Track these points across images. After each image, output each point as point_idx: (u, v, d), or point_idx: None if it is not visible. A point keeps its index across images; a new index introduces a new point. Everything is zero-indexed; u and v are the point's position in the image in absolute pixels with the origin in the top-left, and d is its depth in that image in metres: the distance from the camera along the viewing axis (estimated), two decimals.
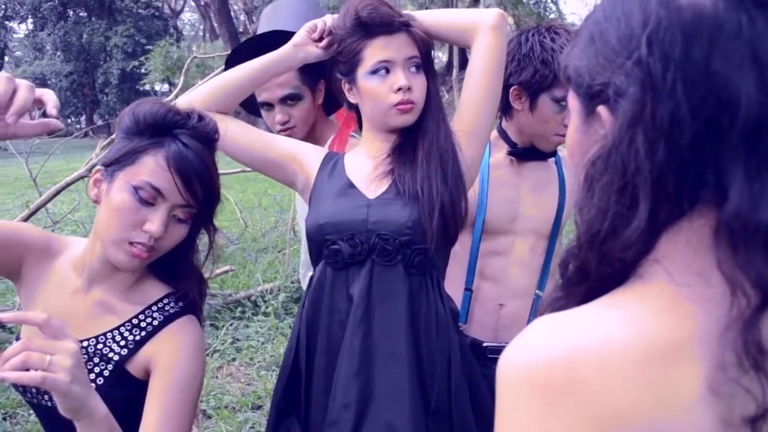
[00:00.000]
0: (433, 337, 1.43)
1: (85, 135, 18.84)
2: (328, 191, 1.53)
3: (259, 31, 2.01)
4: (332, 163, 1.59)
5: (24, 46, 35.37)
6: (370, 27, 1.47)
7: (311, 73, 1.88)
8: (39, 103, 0.96)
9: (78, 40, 29.24)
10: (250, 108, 2.04)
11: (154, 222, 1.12)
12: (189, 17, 42.90)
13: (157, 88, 24.25)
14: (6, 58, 35.31)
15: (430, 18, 1.55)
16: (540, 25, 1.78)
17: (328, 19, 1.58)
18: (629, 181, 0.58)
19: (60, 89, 29.99)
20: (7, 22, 31.93)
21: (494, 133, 1.88)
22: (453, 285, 1.81)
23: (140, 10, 30.18)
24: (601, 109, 0.63)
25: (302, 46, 1.59)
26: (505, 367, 0.58)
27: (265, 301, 4.80)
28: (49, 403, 1.12)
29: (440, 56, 25.21)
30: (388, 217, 1.44)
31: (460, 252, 1.83)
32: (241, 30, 22.64)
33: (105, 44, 28.62)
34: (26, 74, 31.27)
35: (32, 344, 0.88)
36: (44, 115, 1.00)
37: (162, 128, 1.15)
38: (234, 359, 4.00)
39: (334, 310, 1.46)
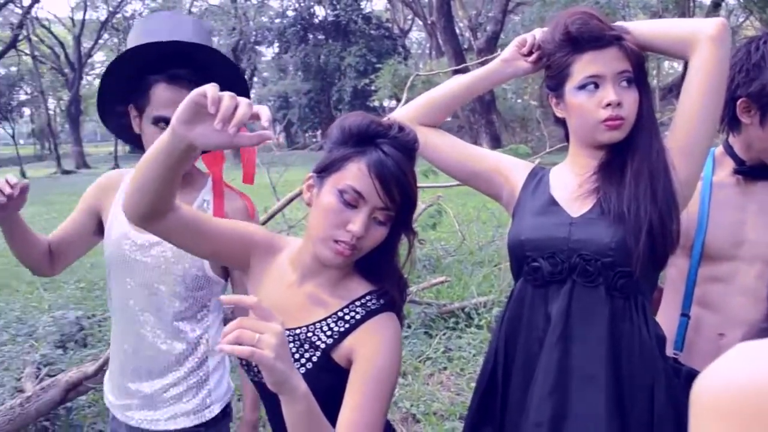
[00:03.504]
0: (635, 363, 1.38)
1: (320, 148, 20.32)
2: (530, 207, 1.53)
3: (132, 43, 1.74)
4: (537, 178, 1.59)
5: (270, 68, 39.12)
6: (579, 41, 1.45)
7: None
8: (256, 117, 1.09)
9: (316, 61, 31.76)
10: (127, 138, 1.90)
11: (356, 222, 1.22)
12: (417, 36, 44.58)
13: (385, 104, 25.47)
14: (255, 78, 39.33)
15: (644, 29, 1.50)
16: None
17: (538, 33, 1.59)
18: None
19: (299, 106, 32.77)
20: (257, 47, 35.58)
21: (719, 149, 1.76)
22: (668, 310, 1.72)
23: (372, 31, 32.01)
24: None
25: (511, 61, 1.62)
26: (699, 390, 0.57)
27: (478, 314, 4.85)
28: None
29: (675, 67, 23.64)
30: (590, 236, 1.41)
31: (676, 276, 1.73)
32: (465, 47, 23.04)
33: (340, 64, 30.76)
34: (271, 93, 34.65)
35: (245, 323, 1.00)
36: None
37: (365, 138, 1.26)
38: (445, 368, 4.09)
39: (533, 327, 1.46)
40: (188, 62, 1.67)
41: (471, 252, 6.97)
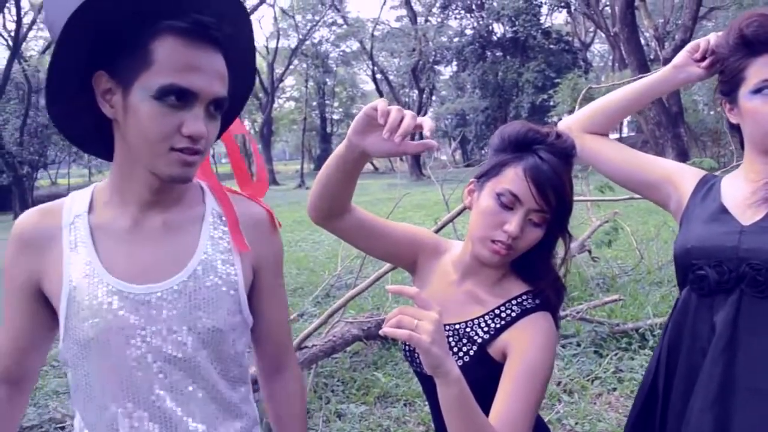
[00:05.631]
0: None
1: None
2: (699, 214, 1.49)
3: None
4: (708, 186, 1.54)
5: (448, 86, 39.78)
6: (754, 44, 1.40)
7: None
8: (419, 127, 1.19)
9: (494, 78, 31.75)
10: (72, 131, 1.20)
11: (512, 223, 1.29)
12: (599, 48, 43.12)
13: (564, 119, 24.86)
14: (433, 97, 40.13)
15: None
16: None
17: (711, 38, 1.54)
18: None
19: (476, 123, 32.90)
20: (435, 66, 36.31)
21: None
22: None
23: (551, 46, 31.44)
24: None
25: (683, 67, 1.60)
26: None
27: (653, 335, 4.61)
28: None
29: None
30: (762, 245, 1.34)
31: None
32: (651, 57, 21.93)
33: (517, 80, 30.51)
34: (449, 111, 35.11)
35: (406, 310, 1.08)
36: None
37: (523, 145, 1.33)
38: (614, 389, 3.94)
39: (696, 336, 1.42)
40: (199, 7, 1.09)
41: (649, 271, 6.63)
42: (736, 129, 1.53)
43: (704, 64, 1.56)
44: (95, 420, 1.16)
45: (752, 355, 1.32)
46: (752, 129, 1.44)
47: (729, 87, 1.48)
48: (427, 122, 1.19)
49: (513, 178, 1.30)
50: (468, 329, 1.37)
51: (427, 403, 1.53)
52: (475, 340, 1.35)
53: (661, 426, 1.47)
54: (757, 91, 1.39)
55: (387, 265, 4.44)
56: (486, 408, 1.21)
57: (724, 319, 1.36)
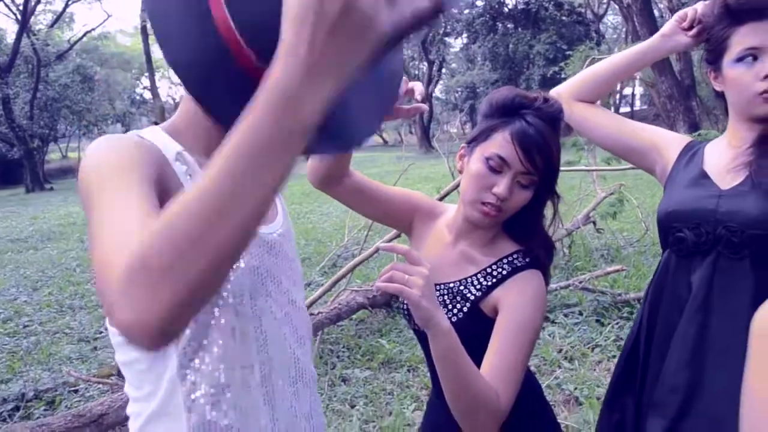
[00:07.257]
0: None
1: None
2: (681, 179, 1.54)
3: None
4: (692, 152, 1.59)
5: (458, 59, 39.47)
6: (737, 13, 1.44)
7: None
8: (411, 92, 1.24)
9: (504, 50, 31.45)
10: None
11: (501, 186, 1.34)
12: (612, 20, 42.52)
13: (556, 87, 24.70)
14: (443, 70, 39.82)
15: None
16: None
17: (699, 7, 1.58)
18: None
19: (486, 96, 32.64)
20: (446, 38, 35.97)
21: None
22: None
23: (563, 18, 31.03)
24: None
25: (670, 36, 1.63)
26: (758, 317, 0.63)
27: None
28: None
29: None
30: (739, 209, 1.39)
31: None
32: None
33: (528, 52, 30.20)
34: (459, 83, 34.82)
35: (397, 266, 1.15)
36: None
37: (510, 110, 1.37)
38: (614, 356, 4.00)
39: (675, 296, 1.47)
40: None
41: (654, 243, 6.65)
42: (721, 97, 1.57)
43: (691, 32, 1.59)
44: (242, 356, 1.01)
45: (726, 314, 1.38)
46: (735, 97, 1.48)
47: (714, 55, 1.51)
48: (417, 87, 1.25)
49: (501, 143, 1.35)
50: (462, 287, 1.43)
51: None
52: (469, 298, 1.41)
53: (641, 385, 1.53)
54: (740, 59, 1.43)
55: (392, 233, 4.52)
56: (479, 361, 1.27)
57: (700, 279, 1.41)
